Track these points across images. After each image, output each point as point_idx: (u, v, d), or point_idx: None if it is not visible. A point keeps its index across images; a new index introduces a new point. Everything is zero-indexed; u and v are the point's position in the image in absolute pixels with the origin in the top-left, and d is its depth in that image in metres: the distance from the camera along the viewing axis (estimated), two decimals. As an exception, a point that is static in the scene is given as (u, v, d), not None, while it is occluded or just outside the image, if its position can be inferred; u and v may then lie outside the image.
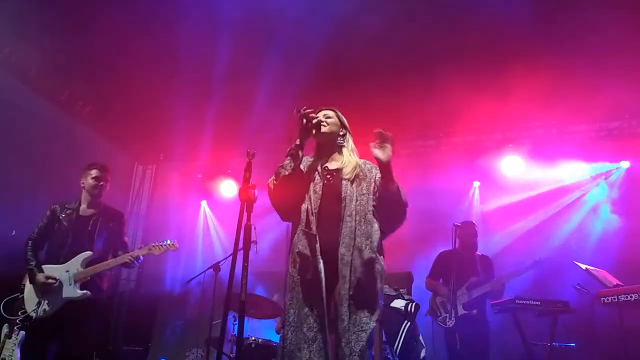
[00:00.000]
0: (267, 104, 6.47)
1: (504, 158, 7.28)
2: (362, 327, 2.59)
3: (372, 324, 2.62)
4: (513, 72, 5.73)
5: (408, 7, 5.41)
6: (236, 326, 4.89)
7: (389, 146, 2.81)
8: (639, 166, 6.83)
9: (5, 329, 5.38)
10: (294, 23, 5.47)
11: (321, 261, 2.68)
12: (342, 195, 2.85)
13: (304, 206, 2.86)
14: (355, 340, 2.55)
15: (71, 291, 4.09)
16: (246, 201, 2.54)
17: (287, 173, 2.85)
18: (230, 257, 5.62)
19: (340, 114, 3.17)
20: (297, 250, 2.77)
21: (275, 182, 2.90)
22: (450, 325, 5.14)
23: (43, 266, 4.21)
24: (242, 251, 2.50)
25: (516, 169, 7.22)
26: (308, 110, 2.91)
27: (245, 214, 2.52)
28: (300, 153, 2.92)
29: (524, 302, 4.75)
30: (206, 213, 9.05)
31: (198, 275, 6.10)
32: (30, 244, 4.28)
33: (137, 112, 7.48)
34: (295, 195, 2.90)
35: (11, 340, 5.29)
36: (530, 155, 7.14)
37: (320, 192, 2.88)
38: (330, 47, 5.77)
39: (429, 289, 5.59)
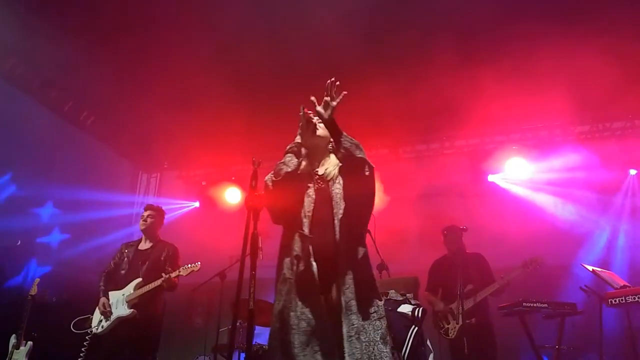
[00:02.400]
0: (271, 112, 6.48)
1: (508, 160, 7.25)
2: (373, 324, 2.60)
3: (383, 321, 2.63)
4: (514, 75, 5.73)
5: (405, 12, 5.42)
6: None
7: (334, 103, 2.73)
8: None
9: (13, 340, 5.44)
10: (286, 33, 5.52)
11: (314, 264, 2.67)
12: (333, 201, 2.84)
13: (299, 209, 2.84)
14: (374, 343, 2.55)
15: (121, 310, 4.81)
16: (252, 209, 2.55)
17: (289, 170, 2.83)
18: (233, 265, 5.69)
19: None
20: (295, 253, 2.74)
21: (274, 178, 2.84)
22: (452, 336, 5.16)
23: (110, 292, 4.94)
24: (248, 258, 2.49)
25: (521, 170, 7.19)
26: (309, 111, 2.89)
27: (252, 221, 2.52)
28: (302, 150, 2.93)
29: (531, 305, 4.73)
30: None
31: (204, 283, 6.09)
32: (103, 276, 5.12)
33: (140, 121, 7.50)
34: (291, 196, 2.86)
35: (19, 351, 5.35)
36: (534, 156, 7.12)
37: (313, 196, 2.87)
38: (330, 51, 5.80)
39: (427, 302, 5.56)
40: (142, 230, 5.22)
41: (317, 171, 2.99)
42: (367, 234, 5.24)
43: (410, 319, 4.10)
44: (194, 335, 7.66)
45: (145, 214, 5.25)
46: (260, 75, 6.29)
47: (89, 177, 7.44)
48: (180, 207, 9.12)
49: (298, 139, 3.00)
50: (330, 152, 3.03)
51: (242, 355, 5.49)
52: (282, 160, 2.89)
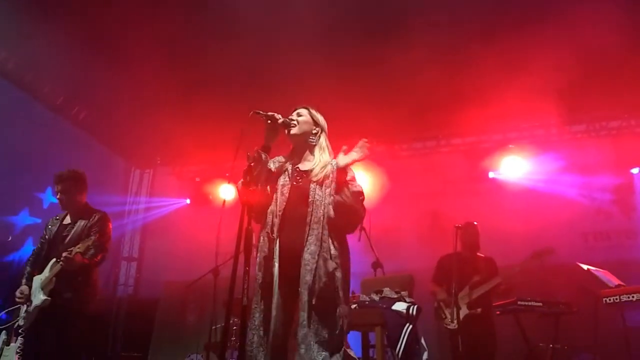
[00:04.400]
0: (266, 106, 6.41)
1: (504, 159, 7.24)
2: (324, 337, 2.56)
3: (336, 335, 2.59)
4: (511, 72, 5.70)
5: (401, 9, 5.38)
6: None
7: (357, 155, 2.73)
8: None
9: (3, 336, 5.36)
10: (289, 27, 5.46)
11: (276, 264, 2.68)
12: (310, 199, 2.78)
13: (270, 208, 2.83)
14: (317, 350, 2.52)
15: (37, 298, 4.13)
16: (246, 204, 2.51)
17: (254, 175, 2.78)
18: (226, 262, 5.64)
19: (314, 111, 3.05)
20: (263, 255, 2.76)
21: (241, 185, 2.80)
22: (454, 327, 5.08)
23: (35, 277, 4.25)
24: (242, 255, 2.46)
25: (517, 169, 7.19)
26: (259, 111, 2.86)
27: (245, 217, 2.49)
28: (263, 155, 2.83)
29: (526, 304, 4.72)
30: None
31: (197, 280, 6.05)
32: (30, 257, 4.45)
33: (133, 116, 7.42)
34: (265, 198, 2.84)
35: (9, 347, 5.27)
36: (531, 155, 7.11)
37: (287, 194, 2.83)
38: (325, 47, 5.75)
39: (431, 292, 5.53)
40: (63, 209, 4.51)
41: (297, 167, 2.94)
42: (362, 233, 5.26)
43: (405, 317, 4.08)
44: (186, 333, 7.62)
45: (57, 189, 4.45)
46: (255, 72, 6.24)
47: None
48: (172, 203, 9.06)
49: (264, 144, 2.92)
50: (314, 146, 2.98)
51: (235, 353, 5.45)
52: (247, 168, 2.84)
